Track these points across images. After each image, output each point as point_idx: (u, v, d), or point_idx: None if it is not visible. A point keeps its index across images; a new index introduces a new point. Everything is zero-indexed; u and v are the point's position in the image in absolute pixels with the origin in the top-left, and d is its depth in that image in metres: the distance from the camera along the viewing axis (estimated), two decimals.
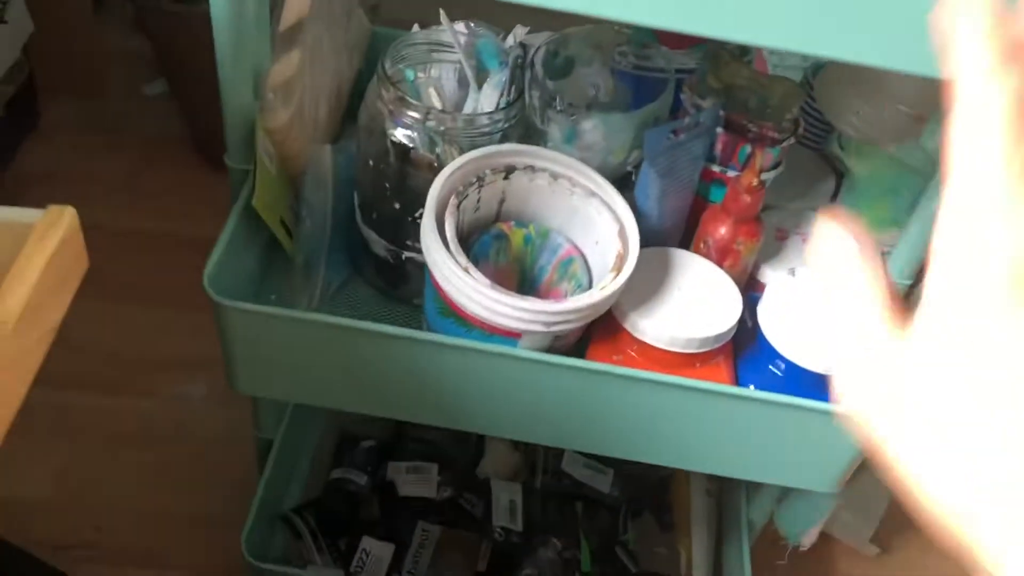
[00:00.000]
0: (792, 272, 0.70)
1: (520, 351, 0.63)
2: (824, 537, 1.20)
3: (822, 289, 0.29)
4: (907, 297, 0.75)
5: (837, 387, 0.28)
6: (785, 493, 0.93)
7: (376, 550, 0.98)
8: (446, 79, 0.75)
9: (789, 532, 0.94)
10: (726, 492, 1.05)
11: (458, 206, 0.64)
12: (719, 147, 0.70)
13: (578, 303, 0.61)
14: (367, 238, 0.75)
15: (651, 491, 1.07)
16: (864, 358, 0.27)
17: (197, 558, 1.11)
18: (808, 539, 0.93)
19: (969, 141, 0.25)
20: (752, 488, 0.99)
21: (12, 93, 1.33)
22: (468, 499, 1.04)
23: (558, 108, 0.67)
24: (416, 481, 1.04)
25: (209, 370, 1.24)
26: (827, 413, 0.64)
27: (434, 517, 1.01)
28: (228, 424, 1.20)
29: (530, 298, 0.60)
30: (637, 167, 0.69)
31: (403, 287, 0.76)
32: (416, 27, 0.78)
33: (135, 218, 1.43)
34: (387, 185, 0.70)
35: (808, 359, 0.65)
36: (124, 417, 1.22)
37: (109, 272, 1.36)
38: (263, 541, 0.98)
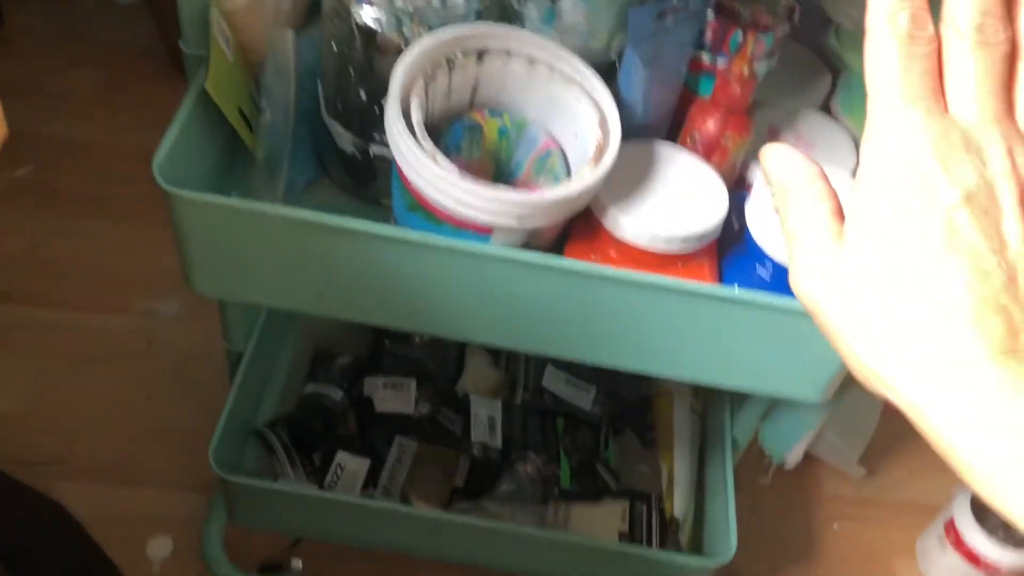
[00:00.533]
0: None
1: (491, 248, 0.59)
2: (811, 459, 1.18)
3: (776, 204, 0.36)
4: None
5: (792, 282, 0.34)
6: (770, 410, 0.90)
7: (351, 465, 0.96)
8: None
9: (774, 450, 0.92)
10: (710, 410, 1.03)
11: (426, 90, 0.60)
12: (709, 34, 0.66)
13: (553, 195, 0.57)
14: (333, 132, 0.70)
15: (633, 408, 1.05)
16: (812, 260, 0.33)
17: (170, 473, 1.08)
18: (793, 458, 0.91)
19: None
20: (737, 405, 0.96)
21: None
22: (446, 415, 1.01)
23: None
24: (394, 397, 1.01)
25: (182, 286, 1.20)
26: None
27: (412, 433, 0.99)
28: (201, 340, 1.16)
29: (501, 187, 0.56)
30: (621, 56, 0.65)
31: (372, 186, 0.72)
32: None
33: (106, 132, 1.38)
34: (352, 72, 0.66)
35: None
36: (94, 333, 1.19)
37: (79, 188, 1.32)
38: (234, 456, 0.96)
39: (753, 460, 1.07)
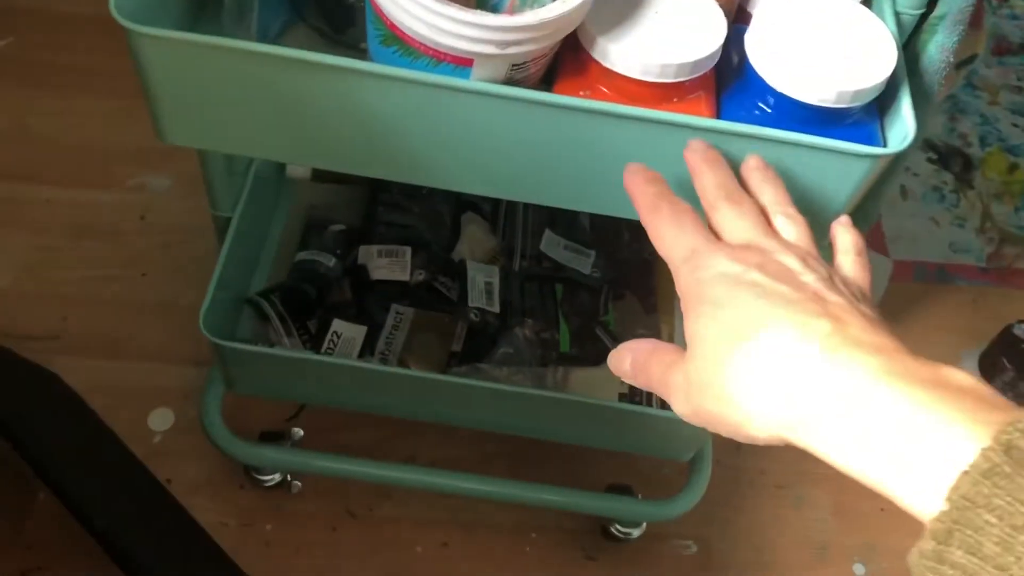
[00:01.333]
0: None
1: (471, 83, 0.56)
2: None
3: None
4: (914, 34, 0.66)
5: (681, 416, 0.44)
6: None
7: (347, 332, 0.95)
8: None
9: None
10: None
11: None
12: None
13: (535, 17, 0.52)
14: None
15: (635, 273, 1.03)
16: (677, 395, 0.43)
17: (168, 347, 1.08)
18: None
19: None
20: None
21: None
22: (443, 282, 0.99)
23: None
24: (389, 265, 0.99)
25: (174, 161, 1.18)
26: (822, 149, 0.57)
27: (408, 300, 0.97)
28: (193, 214, 1.14)
29: (481, 12, 0.52)
30: None
31: (349, 30, 0.68)
32: None
33: (88, 3, 1.32)
34: None
35: (802, 91, 0.57)
36: (85, 209, 1.17)
37: (62, 61, 1.28)
38: (228, 324, 0.94)
39: None
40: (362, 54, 0.66)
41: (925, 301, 1.23)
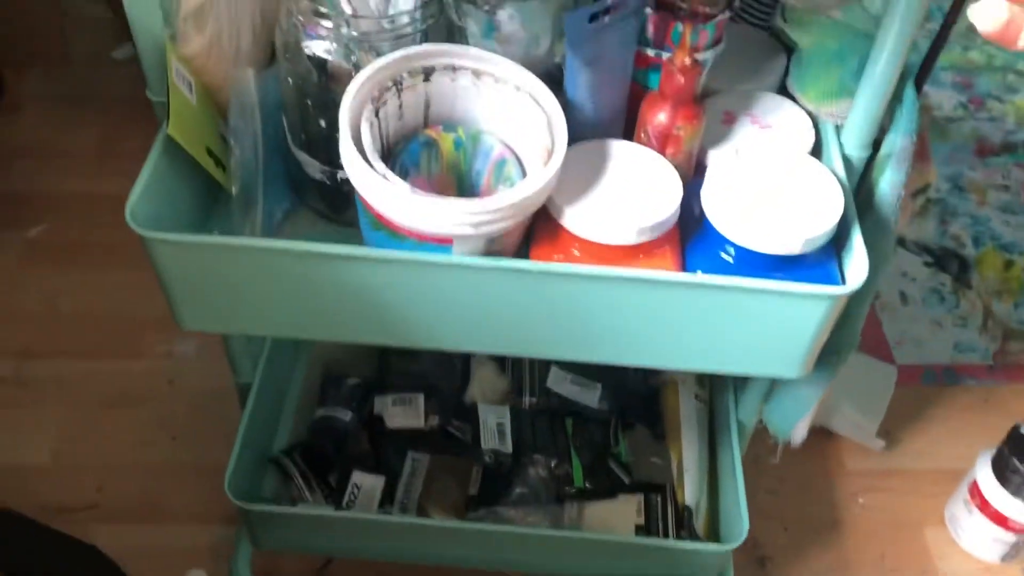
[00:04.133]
0: (736, 152, 0.67)
1: (452, 257, 0.61)
2: (830, 435, 1.18)
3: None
4: (865, 175, 0.71)
5: None
6: (771, 391, 0.91)
7: (367, 483, 0.98)
8: None
9: (778, 429, 0.92)
10: (715, 395, 1.03)
11: (376, 113, 0.62)
12: (651, 29, 0.67)
13: (503, 200, 0.58)
14: (301, 161, 0.73)
15: (642, 401, 1.06)
16: None
17: (197, 507, 1.11)
18: (798, 435, 0.91)
19: None
20: (740, 389, 0.97)
21: None
22: (456, 425, 1.03)
23: (472, 1, 0.64)
24: (403, 413, 1.03)
25: None
26: (781, 294, 0.61)
27: (423, 446, 1.01)
28: (218, 376, 1.19)
29: (452, 198, 0.58)
30: (565, 60, 0.66)
31: (347, 211, 0.74)
32: None
33: (110, 184, 1.42)
34: (310, 103, 0.68)
35: (757, 242, 0.62)
36: (117, 379, 1.23)
37: (91, 239, 1.37)
38: (253, 484, 0.98)
39: (771, 443, 1.08)
40: (358, 231, 0.73)
41: (936, 404, 1.24)
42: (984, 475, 1.05)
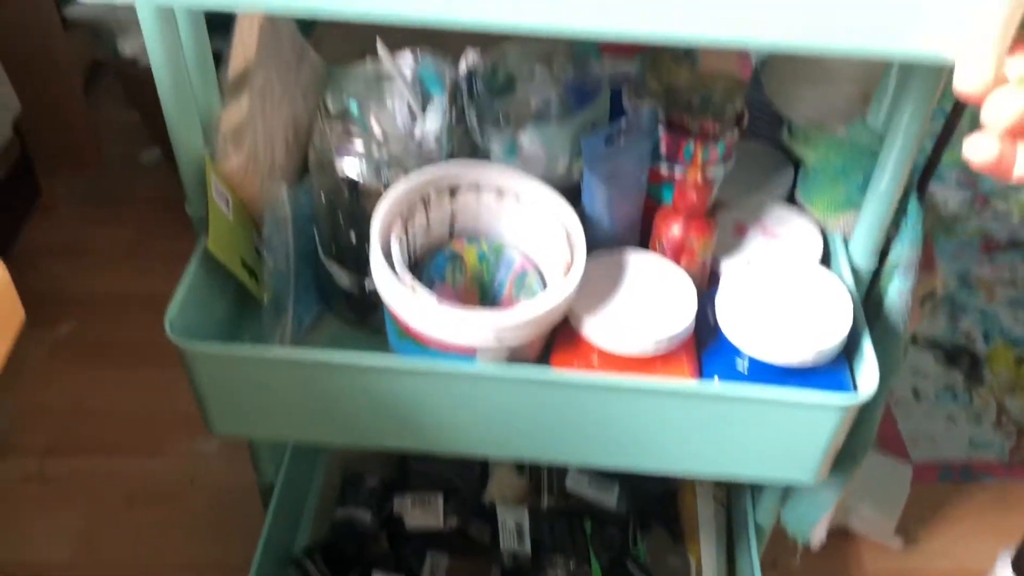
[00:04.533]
0: (748, 263, 0.70)
1: (476, 367, 0.64)
2: (848, 535, 1.18)
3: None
4: (873, 283, 0.74)
5: None
6: (788, 494, 0.92)
7: None
8: (396, 107, 0.77)
9: (797, 532, 0.92)
10: (733, 498, 1.04)
11: (405, 228, 0.65)
12: (663, 147, 0.70)
13: (525, 313, 0.61)
14: (331, 271, 0.76)
15: (659, 503, 1.06)
16: None
17: None
18: (816, 538, 0.91)
19: None
20: (757, 492, 0.97)
21: (6, 172, 1.37)
22: (475, 526, 1.03)
23: (496, 124, 0.68)
24: (422, 513, 1.04)
25: None
26: (795, 404, 0.63)
27: (442, 547, 1.01)
28: (240, 475, 1.20)
29: (477, 310, 0.61)
30: (583, 176, 0.70)
31: (373, 318, 0.77)
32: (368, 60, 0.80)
33: (141, 284, 1.46)
34: (342, 218, 0.72)
35: (769, 352, 0.64)
36: (139, 476, 1.24)
37: (117, 339, 1.40)
38: None
39: (790, 545, 1.08)
40: (385, 337, 0.75)
41: (953, 502, 1.24)
42: (1004, 574, 1.04)
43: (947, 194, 1.67)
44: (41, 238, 1.52)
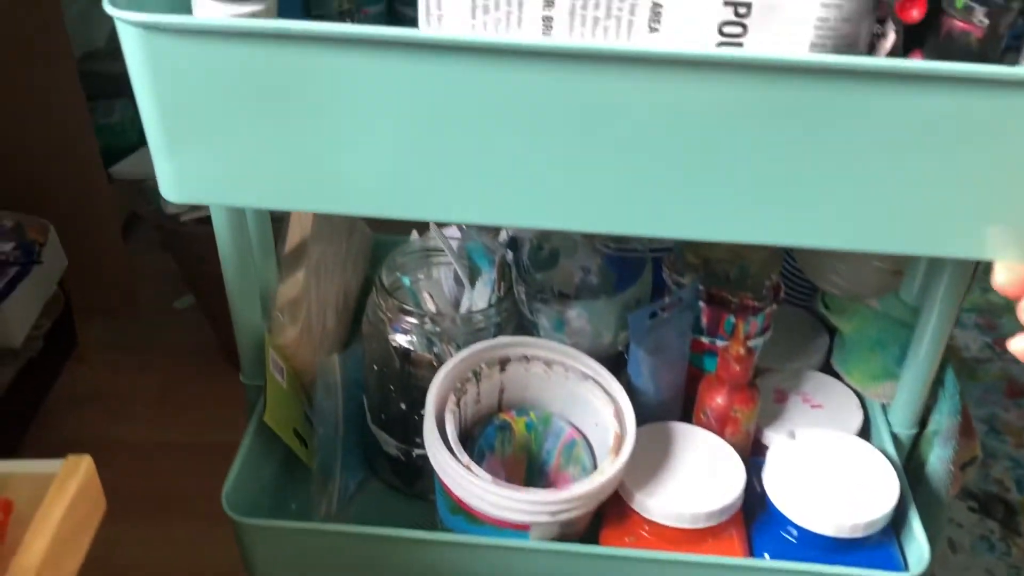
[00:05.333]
0: (792, 435, 0.71)
1: (530, 543, 0.64)
2: None
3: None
4: (913, 448, 0.75)
5: None
6: None
7: None
8: (445, 280, 0.80)
9: None
10: None
11: (457, 403, 0.67)
12: (704, 320, 0.73)
13: (579, 490, 0.62)
14: (379, 439, 0.77)
15: None
16: None
17: None
18: None
19: None
20: None
21: (49, 326, 1.40)
22: None
23: (544, 299, 0.71)
24: None
25: None
26: None
27: None
28: None
29: (532, 490, 0.62)
30: (628, 346, 0.72)
31: (418, 484, 0.78)
32: (414, 233, 0.84)
33: (172, 431, 1.48)
34: (392, 387, 0.74)
35: (819, 523, 0.65)
36: None
37: (147, 489, 1.41)
38: None
39: None
40: (430, 504, 0.76)
41: None
42: None
43: (967, 338, 1.69)
44: (76, 386, 1.55)
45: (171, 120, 0.48)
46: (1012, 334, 0.49)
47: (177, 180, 0.51)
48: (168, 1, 0.50)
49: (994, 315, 1.73)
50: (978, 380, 1.62)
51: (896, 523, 0.68)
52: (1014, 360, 1.65)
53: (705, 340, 0.74)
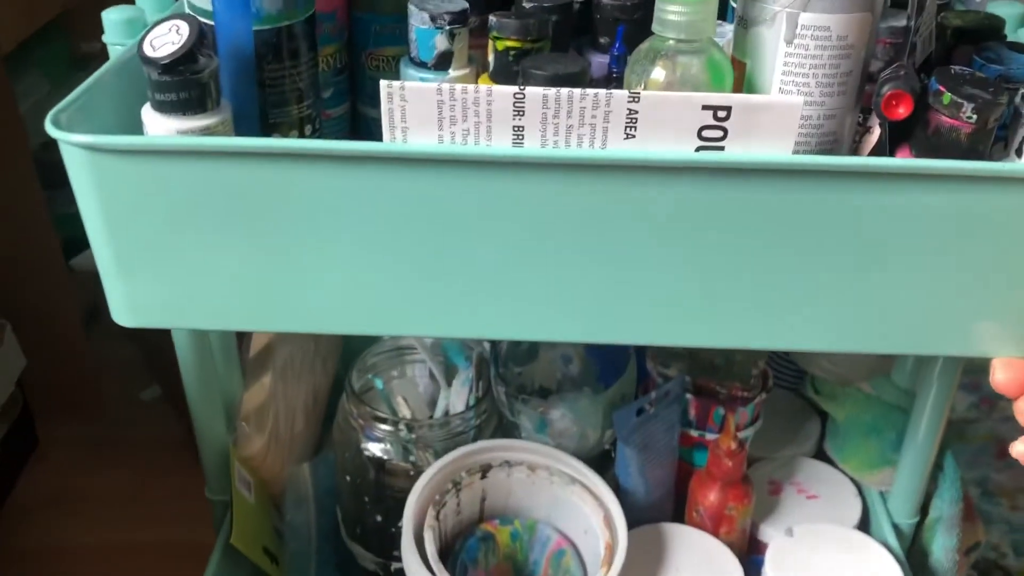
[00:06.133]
0: (790, 532, 0.67)
1: None
2: None
3: None
4: (915, 535, 0.72)
5: None
6: None
7: None
8: (419, 379, 0.76)
9: None
10: None
11: (437, 516, 0.63)
12: (692, 412, 0.70)
13: None
14: (355, 552, 0.73)
15: None
16: None
17: None
18: None
19: None
20: None
21: (7, 428, 1.35)
22: None
23: (525, 399, 0.68)
24: None
25: None
26: None
27: None
28: None
29: None
30: (614, 443, 0.69)
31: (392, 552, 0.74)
32: None
33: (141, 531, 1.41)
34: (367, 498, 0.70)
35: None
36: None
37: None
38: None
39: None
40: None
41: None
42: None
43: (953, 398, 1.67)
44: (37, 487, 1.48)
45: (120, 242, 0.45)
46: (997, 394, 0.48)
47: (129, 304, 0.47)
48: (115, 116, 0.47)
49: (977, 375, 1.72)
50: (967, 441, 1.59)
51: None
52: (1002, 419, 1.63)
53: (694, 433, 0.71)
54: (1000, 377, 0.47)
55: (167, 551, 1.36)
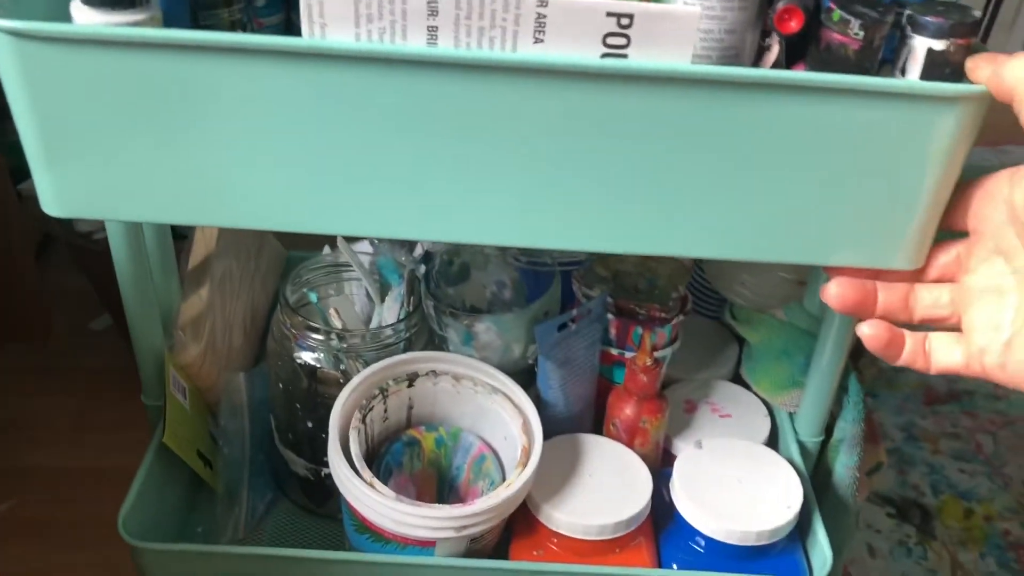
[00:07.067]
0: (699, 444, 0.71)
1: (434, 559, 0.63)
2: None
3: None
4: (820, 455, 0.76)
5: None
6: None
7: None
8: (356, 296, 0.79)
9: None
10: None
11: (363, 419, 0.66)
12: (613, 332, 0.73)
13: (484, 505, 0.61)
14: (287, 459, 0.76)
15: None
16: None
17: None
18: None
19: None
20: None
21: None
22: None
23: (452, 313, 0.71)
24: None
25: None
26: None
27: None
28: None
29: (435, 506, 0.61)
30: (537, 359, 0.72)
31: (329, 504, 0.77)
32: (326, 248, 0.82)
33: (88, 456, 1.43)
34: (299, 405, 0.72)
35: (725, 532, 0.65)
36: None
37: (61, 517, 1.36)
38: None
39: None
40: (339, 524, 0.75)
41: None
42: None
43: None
44: None
45: (47, 131, 0.47)
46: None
47: (57, 194, 0.49)
48: (46, 8, 0.49)
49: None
50: (897, 389, 1.66)
51: (802, 530, 0.69)
52: None
53: (614, 352, 0.74)
54: (833, 292, 0.50)
55: (113, 475, 1.38)
